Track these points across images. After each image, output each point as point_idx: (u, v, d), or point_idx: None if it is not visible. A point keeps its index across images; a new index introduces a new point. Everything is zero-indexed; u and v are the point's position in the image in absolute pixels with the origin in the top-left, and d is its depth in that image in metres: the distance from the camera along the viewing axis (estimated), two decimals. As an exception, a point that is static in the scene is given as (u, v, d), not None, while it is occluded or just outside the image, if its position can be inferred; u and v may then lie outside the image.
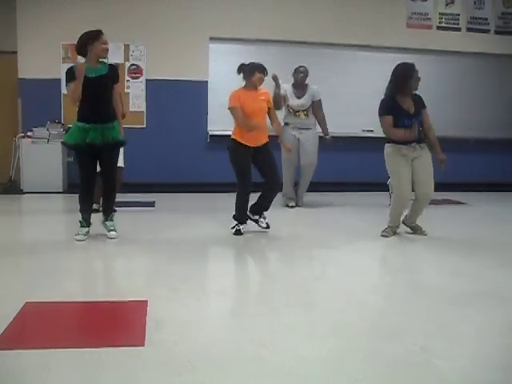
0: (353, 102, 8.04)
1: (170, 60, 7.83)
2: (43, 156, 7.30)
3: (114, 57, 7.55)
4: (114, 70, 4.59)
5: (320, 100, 6.48)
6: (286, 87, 6.38)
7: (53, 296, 3.11)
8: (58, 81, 7.64)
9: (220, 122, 7.99)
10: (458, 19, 8.73)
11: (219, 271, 3.93)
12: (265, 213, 5.02)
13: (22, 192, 7.28)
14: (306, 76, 6.41)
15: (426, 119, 4.79)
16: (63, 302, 3.03)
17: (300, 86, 6.41)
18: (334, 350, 2.44)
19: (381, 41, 8.27)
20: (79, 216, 4.62)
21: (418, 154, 4.73)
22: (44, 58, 7.51)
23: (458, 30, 8.75)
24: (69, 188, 7.61)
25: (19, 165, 7.41)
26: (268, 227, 4.97)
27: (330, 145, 6.57)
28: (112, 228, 4.65)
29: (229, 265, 4.13)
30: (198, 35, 7.87)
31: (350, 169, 8.16)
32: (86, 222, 4.63)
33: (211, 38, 7.96)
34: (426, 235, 4.90)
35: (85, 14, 7.40)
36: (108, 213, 4.71)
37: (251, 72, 4.80)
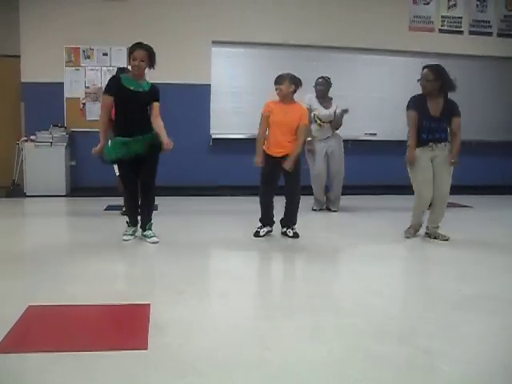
0: (355, 104, 8.03)
1: (172, 63, 7.82)
2: (46, 160, 7.33)
3: (117, 60, 7.60)
4: (155, 89, 4.53)
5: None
6: (311, 98, 6.30)
7: (56, 299, 3.11)
8: (61, 84, 7.68)
9: (223, 126, 8.02)
10: (460, 22, 8.74)
11: (223, 274, 3.92)
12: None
13: (25, 195, 7.30)
14: (325, 88, 6.32)
15: (454, 126, 4.73)
16: (66, 306, 3.03)
17: (323, 98, 6.34)
18: (338, 353, 2.44)
19: (383, 44, 8.27)
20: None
21: (437, 154, 4.74)
22: (47, 61, 7.54)
23: (461, 32, 8.75)
24: (71, 191, 7.63)
25: (22, 168, 7.43)
26: (295, 236, 4.91)
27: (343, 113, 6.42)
28: (153, 235, 4.66)
29: (233, 267, 4.12)
30: (200, 39, 7.89)
31: (352, 172, 8.14)
32: (133, 222, 4.71)
33: (213, 42, 7.98)
34: (447, 240, 4.88)
35: (87, 18, 7.44)
36: (145, 224, 4.72)
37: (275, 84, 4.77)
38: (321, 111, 6.30)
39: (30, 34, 7.52)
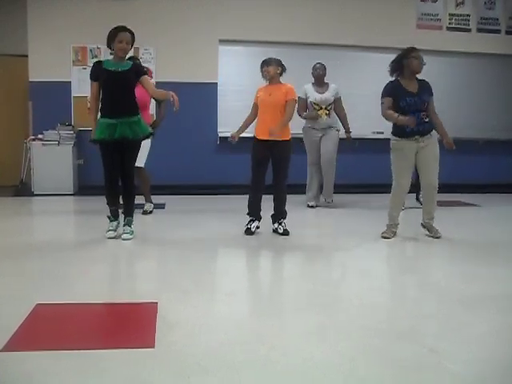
0: (362, 103, 8.01)
1: (179, 62, 7.85)
2: (54, 158, 7.35)
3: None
4: (136, 65, 4.61)
5: (340, 98, 6.56)
6: (306, 87, 6.47)
7: (63, 298, 3.13)
8: (69, 83, 7.71)
9: (230, 124, 8.01)
10: (468, 20, 8.69)
11: (229, 273, 3.93)
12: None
13: (32, 194, 7.33)
14: (324, 72, 6.47)
15: (430, 107, 4.73)
16: (74, 304, 3.04)
17: (320, 83, 6.48)
18: (344, 352, 2.43)
19: (390, 42, 8.20)
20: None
21: (423, 145, 4.70)
22: (54, 60, 7.56)
23: (469, 30, 8.70)
24: (79, 190, 7.66)
25: (30, 167, 7.46)
26: (285, 233, 4.92)
27: (349, 142, 6.64)
28: (127, 231, 4.65)
29: (239, 266, 4.13)
30: (207, 37, 7.89)
31: (359, 171, 8.13)
32: (113, 217, 4.69)
33: (221, 41, 7.98)
34: (439, 237, 4.84)
35: (94, 17, 7.44)
36: (126, 213, 4.71)
37: (261, 68, 4.93)
38: (316, 96, 6.41)
39: (38, 34, 7.55)
